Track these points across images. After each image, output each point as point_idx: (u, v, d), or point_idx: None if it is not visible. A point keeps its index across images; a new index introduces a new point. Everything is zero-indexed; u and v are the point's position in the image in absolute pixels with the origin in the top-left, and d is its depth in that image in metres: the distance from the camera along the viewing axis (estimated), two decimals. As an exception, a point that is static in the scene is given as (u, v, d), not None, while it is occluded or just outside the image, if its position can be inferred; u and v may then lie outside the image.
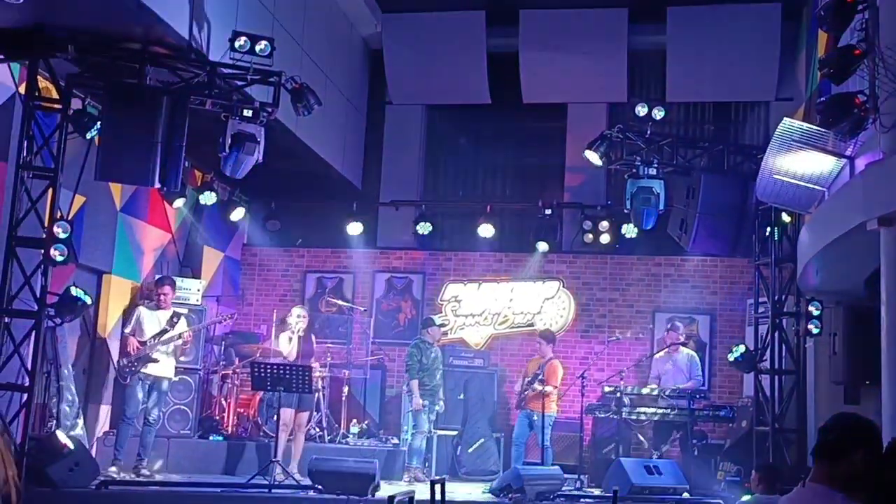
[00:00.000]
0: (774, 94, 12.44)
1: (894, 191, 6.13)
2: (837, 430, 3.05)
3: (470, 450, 11.40)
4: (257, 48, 8.29)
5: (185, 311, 10.53)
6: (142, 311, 9.70)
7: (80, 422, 9.40)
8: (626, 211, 10.32)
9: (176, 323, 9.63)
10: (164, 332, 9.50)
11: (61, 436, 8.28)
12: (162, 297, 9.70)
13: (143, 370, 9.37)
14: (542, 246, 12.51)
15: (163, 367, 9.52)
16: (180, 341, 9.63)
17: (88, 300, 8.33)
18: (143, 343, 9.42)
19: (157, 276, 10.37)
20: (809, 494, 3.03)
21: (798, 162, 7.97)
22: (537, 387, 10.40)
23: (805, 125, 7.99)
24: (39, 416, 8.96)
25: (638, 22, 12.64)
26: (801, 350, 10.40)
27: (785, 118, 8.29)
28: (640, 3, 12.40)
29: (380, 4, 12.83)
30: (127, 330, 9.61)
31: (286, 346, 10.09)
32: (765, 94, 12.54)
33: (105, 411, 10.36)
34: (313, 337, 10.63)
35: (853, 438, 3.02)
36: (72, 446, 8.23)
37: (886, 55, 6.07)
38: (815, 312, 9.74)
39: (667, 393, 10.55)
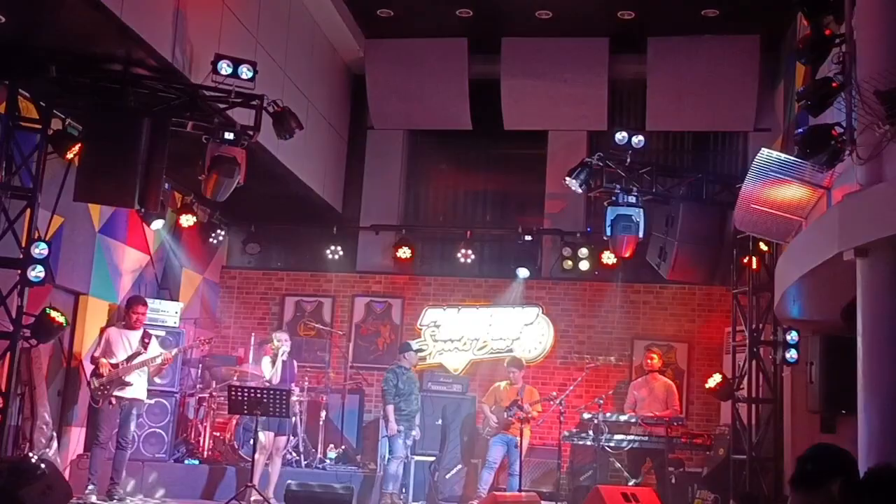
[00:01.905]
0: (753, 125, 12.56)
1: (871, 222, 6.18)
2: (815, 460, 3.07)
3: (447, 475, 11.35)
4: (240, 71, 8.30)
5: (161, 332, 10.48)
6: (111, 332, 9.56)
7: (55, 444, 9.29)
8: (605, 238, 10.37)
9: (148, 344, 9.52)
10: (137, 353, 9.39)
11: (35, 458, 8.17)
12: (134, 317, 9.57)
13: (115, 393, 9.24)
14: (523, 272, 12.54)
15: (136, 389, 9.40)
16: (160, 360, 9.50)
17: (64, 321, 8.26)
18: (114, 366, 9.29)
19: (129, 297, 10.23)
20: (787, 524, 3.04)
21: (775, 192, 8.03)
22: (521, 413, 10.36)
23: (783, 156, 8.06)
24: (13, 438, 8.84)
25: (619, 52, 12.76)
26: (778, 379, 10.44)
27: (763, 149, 8.36)
28: (620, 34, 12.51)
29: (363, 30, 12.89)
30: (97, 353, 9.44)
31: (269, 369, 10.04)
32: (743, 124, 12.66)
33: (79, 434, 10.24)
34: (295, 362, 10.58)
35: (830, 469, 3.03)
36: (45, 469, 8.12)
37: (863, 88, 6.14)
38: (792, 341, 9.81)
39: (643, 420, 10.56)
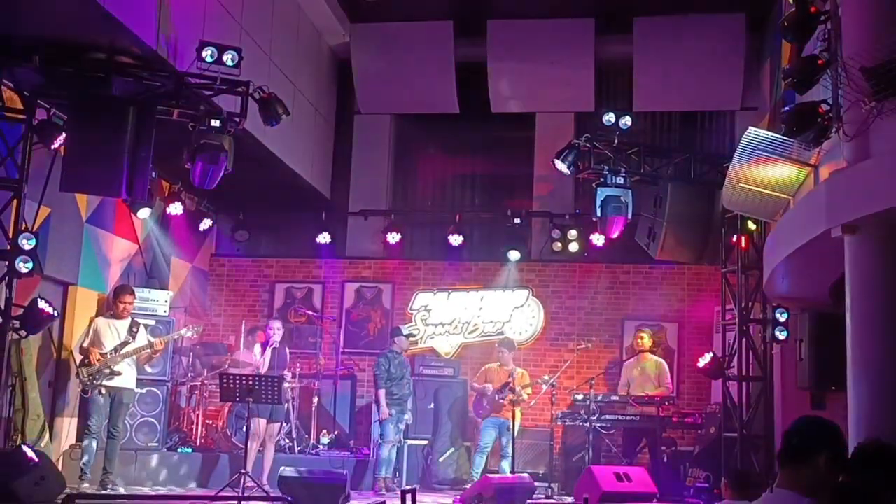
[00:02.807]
0: (739, 104, 12.58)
1: (858, 198, 6.21)
2: (801, 434, 3.08)
3: (441, 459, 11.38)
4: (225, 58, 8.25)
5: (151, 321, 10.46)
6: (98, 322, 9.55)
7: (46, 435, 9.28)
8: (594, 219, 10.38)
9: (136, 333, 9.51)
10: (125, 343, 9.39)
11: (27, 450, 8.17)
12: (121, 306, 9.56)
13: (105, 383, 9.24)
14: (514, 255, 12.55)
15: (125, 379, 9.40)
16: (150, 350, 9.51)
17: (54, 312, 8.24)
18: (104, 355, 9.29)
19: (116, 286, 10.21)
20: (777, 500, 3.05)
21: (763, 170, 8.05)
22: (511, 396, 10.38)
23: (770, 134, 8.08)
24: (4, 429, 8.83)
25: (605, 32, 12.74)
26: (768, 356, 10.50)
27: (750, 127, 8.38)
28: (606, 14, 12.50)
29: (348, 14, 12.83)
30: (85, 343, 9.43)
31: (258, 357, 10.05)
32: (730, 103, 12.67)
33: (71, 424, 10.23)
34: (287, 349, 10.57)
35: (817, 442, 3.04)
36: (37, 460, 8.12)
37: (849, 65, 6.16)
38: (782, 319, 9.85)
39: (635, 400, 10.61)
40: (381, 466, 10.33)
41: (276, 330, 10.23)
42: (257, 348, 10.23)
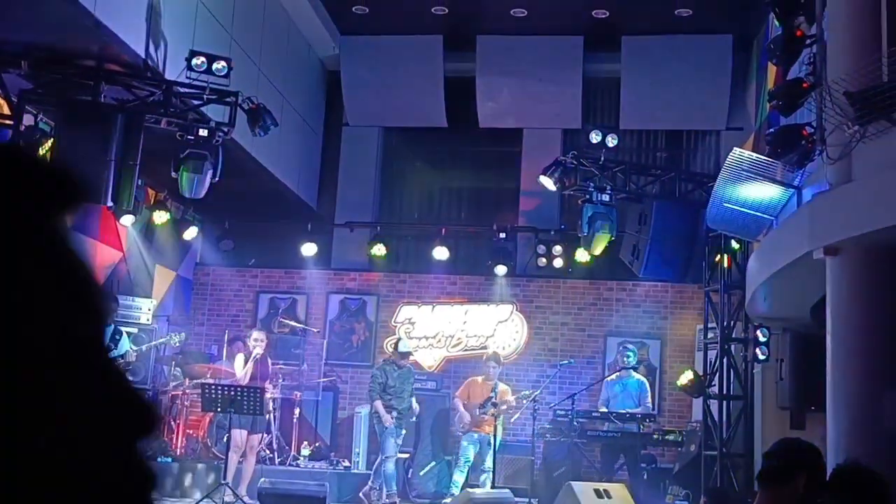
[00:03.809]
0: (725, 124, 12.68)
1: (840, 221, 6.27)
2: (781, 454, 3.12)
3: (422, 472, 11.37)
4: (214, 68, 8.28)
5: (134, 329, 10.43)
6: None
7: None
8: (580, 235, 10.43)
9: (118, 340, 9.48)
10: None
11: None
12: None
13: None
14: (501, 269, 12.57)
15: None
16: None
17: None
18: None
19: None
20: (755, 519, 3.09)
21: (747, 191, 8.13)
22: (493, 411, 10.36)
23: (754, 156, 8.16)
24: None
25: (593, 50, 12.83)
26: (749, 375, 10.55)
27: (735, 148, 8.46)
28: (595, 32, 12.58)
29: (338, 27, 12.88)
30: None
31: (240, 368, 9.98)
32: (716, 123, 12.78)
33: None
34: (269, 360, 10.52)
35: (796, 463, 3.08)
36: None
37: (833, 89, 6.23)
38: (763, 339, 9.92)
39: (615, 416, 10.63)
40: (389, 483, 10.10)
41: (258, 341, 10.09)
42: (239, 359, 10.15)
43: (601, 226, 10.00)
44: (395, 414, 10.19)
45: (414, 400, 10.48)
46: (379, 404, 10.21)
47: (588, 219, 10.04)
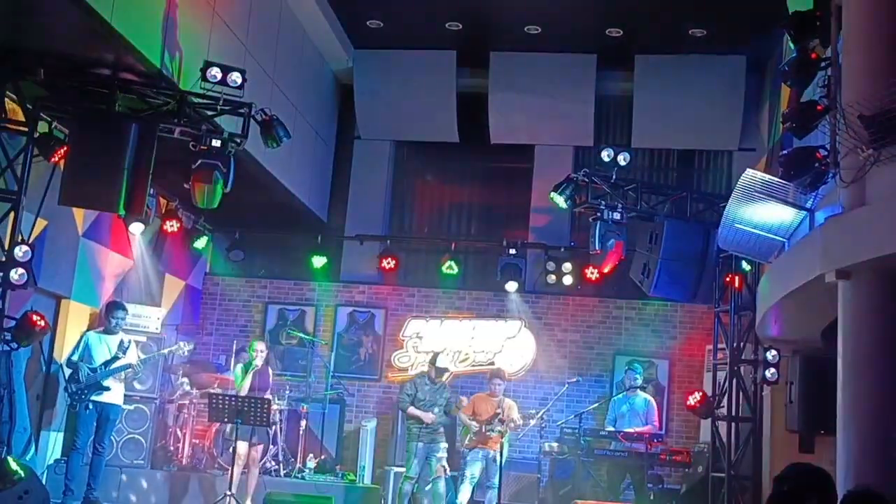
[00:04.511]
0: (738, 145, 12.67)
1: (853, 244, 6.24)
2: (792, 479, 3.10)
3: (427, 487, 11.30)
4: (229, 79, 8.30)
5: (143, 338, 10.44)
6: (90, 336, 9.52)
7: (32, 449, 9.23)
8: (592, 252, 10.41)
9: (127, 348, 9.48)
10: (115, 358, 9.35)
11: (12, 463, 8.12)
12: (113, 322, 9.53)
13: (93, 398, 9.20)
14: (512, 286, 12.53)
15: (113, 395, 9.36)
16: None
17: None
18: (93, 370, 9.25)
19: (108, 301, 10.17)
20: (765, 544, 3.06)
21: (759, 212, 8.10)
22: (500, 428, 10.29)
23: (767, 177, 8.13)
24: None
25: (606, 68, 12.84)
26: (758, 397, 10.50)
27: (748, 169, 8.43)
28: (608, 51, 12.59)
29: (352, 40, 12.92)
30: (75, 357, 9.38)
31: (238, 378, 9.93)
32: (728, 143, 12.77)
33: (57, 438, 10.17)
34: (270, 371, 10.49)
35: (807, 488, 3.06)
36: (22, 474, 8.07)
37: (848, 112, 6.21)
38: (773, 360, 9.87)
39: (622, 436, 10.58)
40: (400, 501, 10.01)
41: (259, 352, 10.01)
42: (239, 368, 10.11)
43: (613, 245, 9.99)
44: (420, 429, 9.93)
45: (443, 415, 10.14)
46: (411, 411, 9.96)
47: (601, 236, 10.02)
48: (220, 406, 9.17)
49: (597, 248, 10.19)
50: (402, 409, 10.19)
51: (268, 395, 10.03)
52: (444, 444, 10.13)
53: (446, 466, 10.12)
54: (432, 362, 10.39)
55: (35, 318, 8.04)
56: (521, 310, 12.80)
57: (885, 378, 6.10)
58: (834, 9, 6.76)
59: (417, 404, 9.98)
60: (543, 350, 12.72)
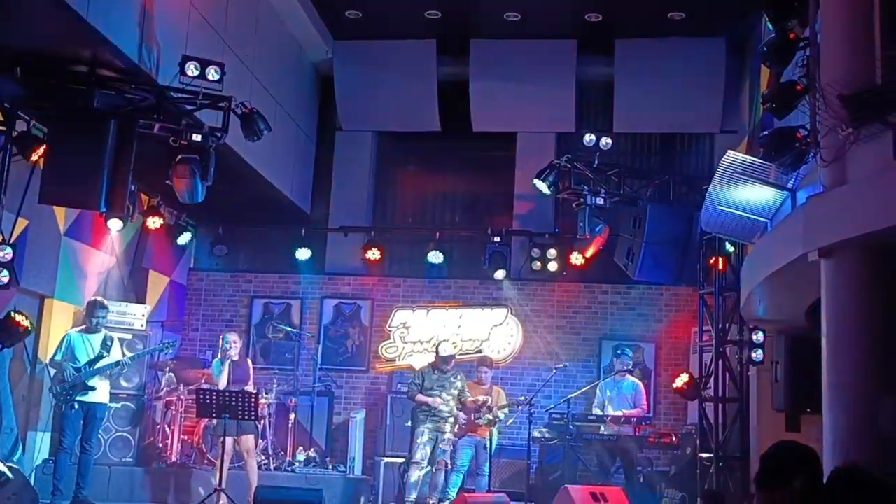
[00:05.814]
0: (719, 127, 12.69)
1: (835, 223, 6.27)
2: (777, 457, 3.11)
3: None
4: (207, 73, 8.24)
5: (128, 335, 10.39)
6: (72, 336, 9.45)
7: (20, 450, 9.19)
8: (581, 237, 10.43)
9: (110, 346, 9.43)
10: (100, 356, 9.29)
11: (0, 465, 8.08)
12: (94, 320, 9.46)
13: (79, 397, 9.14)
14: (500, 273, 12.54)
15: (99, 394, 9.31)
16: (118, 368, 9.44)
17: (30, 325, 8.17)
18: (78, 370, 9.19)
19: (90, 300, 10.11)
20: (753, 523, 3.08)
21: (741, 193, 8.13)
22: (489, 416, 10.34)
23: (748, 158, 8.17)
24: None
25: (586, 53, 12.83)
26: (745, 378, 10.56)
27: (729, 151, 8.46)
28: (588, 36, 12.59)
29: (331, 31, 12.86)
30: (58, 357, 9.33)
31: (216, 372, 9.87)
32: (709, 126, 12.79)
33: (44, 439, 10.12)
34: (250, 361, 10.44)
35: (793, 466, 3.07)
36: (10, 475, 8.04)
37: (827, 92, 6.23)
38: (758, 341, 9.93)
39: (611, 420, 10.62)
40: (407, 490, 10.06)
41: (233, 343, 9.95)
42: (216, 364, 10.05)
43: (600, 230, 10.03)
44: (427, 414, 10.06)
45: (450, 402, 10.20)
46: (420, 397, 10.10)
47: (587, 221, 10.05)
48: (209, 402, 9.14)
49: (586, 233, 10.22)
50: (411, 397, 10.28)
51: (249, 387, 9.92)
52: (449, 435, 10.20)
53: (448, 461, 10.19)
54: (435, 352, 10.47)
55: (18, 318, 7.99)
56: (510, 297, 12.82)
57: (868, 355, 6.14)
58: (811, -11, 6.78)
59: (425, 392, 10.13)
60: (530, 337, 12.74)
